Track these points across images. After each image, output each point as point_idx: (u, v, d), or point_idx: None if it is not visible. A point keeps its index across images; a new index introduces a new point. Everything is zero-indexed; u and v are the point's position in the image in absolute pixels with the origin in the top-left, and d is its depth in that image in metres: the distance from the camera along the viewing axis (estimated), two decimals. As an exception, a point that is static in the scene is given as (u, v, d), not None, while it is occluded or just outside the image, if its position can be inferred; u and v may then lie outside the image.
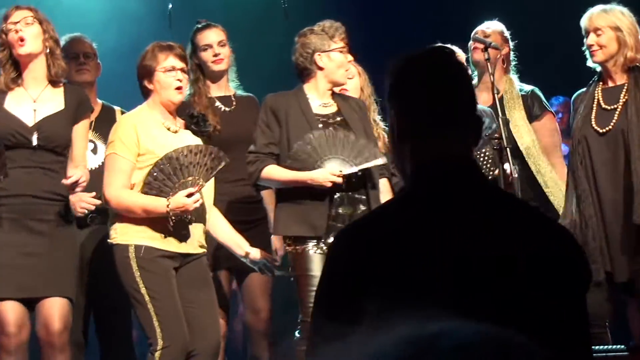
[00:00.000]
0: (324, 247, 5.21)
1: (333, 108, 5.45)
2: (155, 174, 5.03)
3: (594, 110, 5.58)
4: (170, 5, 7.35)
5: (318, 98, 5.43)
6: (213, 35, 5.84)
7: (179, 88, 5.15)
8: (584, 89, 5.70)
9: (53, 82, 5.25)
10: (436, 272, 2.17)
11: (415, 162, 2.33)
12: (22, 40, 5.16)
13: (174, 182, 5.01)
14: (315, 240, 5.23)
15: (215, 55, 5.81)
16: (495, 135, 5.45)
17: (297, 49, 5.39)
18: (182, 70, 5.18)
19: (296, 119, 5.34)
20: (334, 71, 5.40)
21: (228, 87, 5.93)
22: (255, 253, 5.32)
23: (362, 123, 5.48)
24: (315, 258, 5.24)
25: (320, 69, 5.39)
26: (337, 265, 2.28)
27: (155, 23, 7.49)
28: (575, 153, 5.59)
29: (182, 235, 5.09)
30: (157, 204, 5.00)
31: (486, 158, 5.67)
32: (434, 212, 2.26)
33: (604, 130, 5.54)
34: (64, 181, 4.99)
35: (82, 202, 5.24)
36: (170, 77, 5.14)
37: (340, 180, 5.19)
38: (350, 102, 5.55)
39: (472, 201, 2.30)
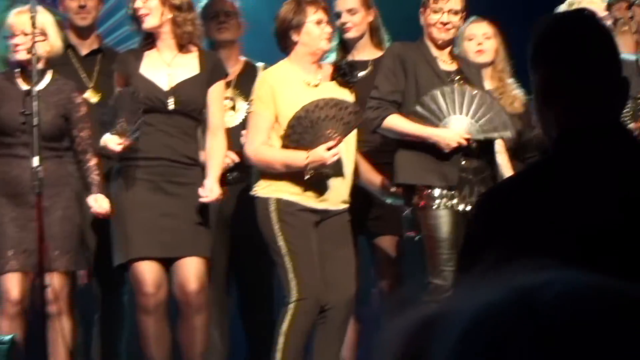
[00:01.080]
0: (454, 204, 5.20)
1: (454, 66, 5.44)
2: (293, 126, 5.10)
3: None
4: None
5: (438, 54, 5.42)
6: (346, 2, 5.78)
7: (327, 39, 5.25)
8: None
9: (182, 46, 5.31)
10: (570, 236, 2.13)
11: (561, 127, 2.27)
12: (143, 16, 5.26)
13: (311, 134, 5.07)
14: (445, 198, 5.20)
15: (343, 24, 5.75)
16: (639, 95, 5.34)
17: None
18: (328, 22, 5.28)
19: (425, 72, 5.32)
20: (427, 30, 5.39)
21: (367, 51, 5.82)
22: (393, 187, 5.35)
23: (480, 86, 5.46)
24: (444, 218, 5.19)
25: (428, 24, 5.41)
26: (479, 228, 2.27)
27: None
28: None
29: (321, 191, 5.14)
30: (296, 157, 5.07)
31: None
32: (579, 177, 2.22)
33: None
34: (201, 194, 5.11)
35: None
36: (319, 29, 5.20)
37: (465, 143, 5.17)
38: (470, 65, 5.55)
39: (620, 167, 2.24)
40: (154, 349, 5.20)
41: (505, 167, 5.42)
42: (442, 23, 5.36)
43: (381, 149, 5.50)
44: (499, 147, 5.41)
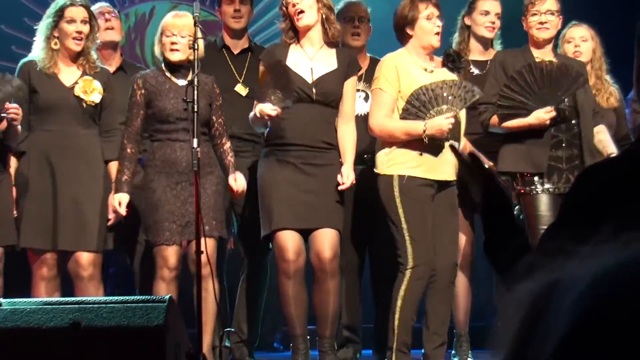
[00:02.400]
0: (550, 187, 5.60)
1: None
2: (412, 101, 5.47)
3: None
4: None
5: (540, 55, 5.82)
6: (494, 6, 6.18)
7: (437, 33, 5.61)
8: None
9: (329, 43, 5.67)
10: None
11: None
12: (300, 13, 5.60)
13: (428, 109, 5.43)
14: (540, 182, 5.60)
15: (492, 22, 6.14)
16: None
17: None
18: (438, 17, 5.62)
19: None
20: (529, 32, 5.83)
21: (489, 52, 6.22)
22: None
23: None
24: (543, 198, 5.61)
25: (528, 27, 5.86)
26: (577, 197, 2.30)
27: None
28: None
29: (438, 160, 5.51)
30: (415, 125, 5.43)
31: None
32: None
33: None
34: (339, 181, 5.52)
35: None
36: (431, 24, 5.58)
37: (553, 113, 5.56)
38: (572, 62, 5.86)
39: None
40: (292, 308, 5.55)
41: (609, 143, 5.83)
42: (540, 23, 5.78)
43: (487, 140, 5.91)
44: (601, 128, 5.83)
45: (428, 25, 5.59)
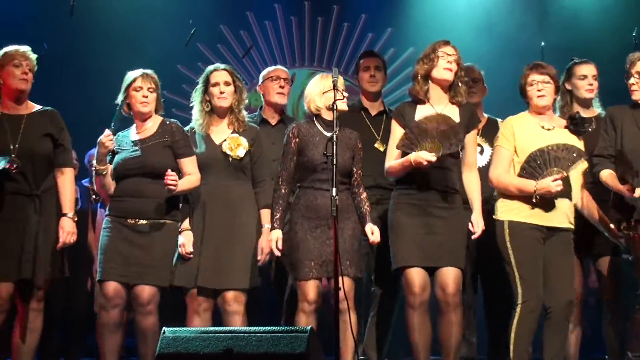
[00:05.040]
0: None
1: None
2: (529, 162, 5.80)
3: None
4: (542, 43, 8.13)
5: None
6: (590, 69, 6.43)
7: (540, 96, 5.94)
8: None
9: (452, 102, 5.93)
10: None
11: None
12: (447, 70, 5.86)
13: (542, 169, 5.75)
14: None
15: (590, 84, 6.40)
16: None
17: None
18: (542, 82, 5.94)
19: (629, 127, 5.98)
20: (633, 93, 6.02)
21: (592, 110, 6.45)
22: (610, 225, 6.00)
23: None
24: None
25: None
26: None
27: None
28: None
29: (546, 212, 5.75)
30: (527, 184, 5.77)
31: None
32: None
33: None
34: (471, 230, 5.74)
35: None
36: (534, 89, 5.95)
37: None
38: None
39: None
40: (416, 337, 5.77)
41: None
42: (630, 85, 6.02)
43: (598, 189, 6.04)
44: None
45: (531, 91, 5.97)
